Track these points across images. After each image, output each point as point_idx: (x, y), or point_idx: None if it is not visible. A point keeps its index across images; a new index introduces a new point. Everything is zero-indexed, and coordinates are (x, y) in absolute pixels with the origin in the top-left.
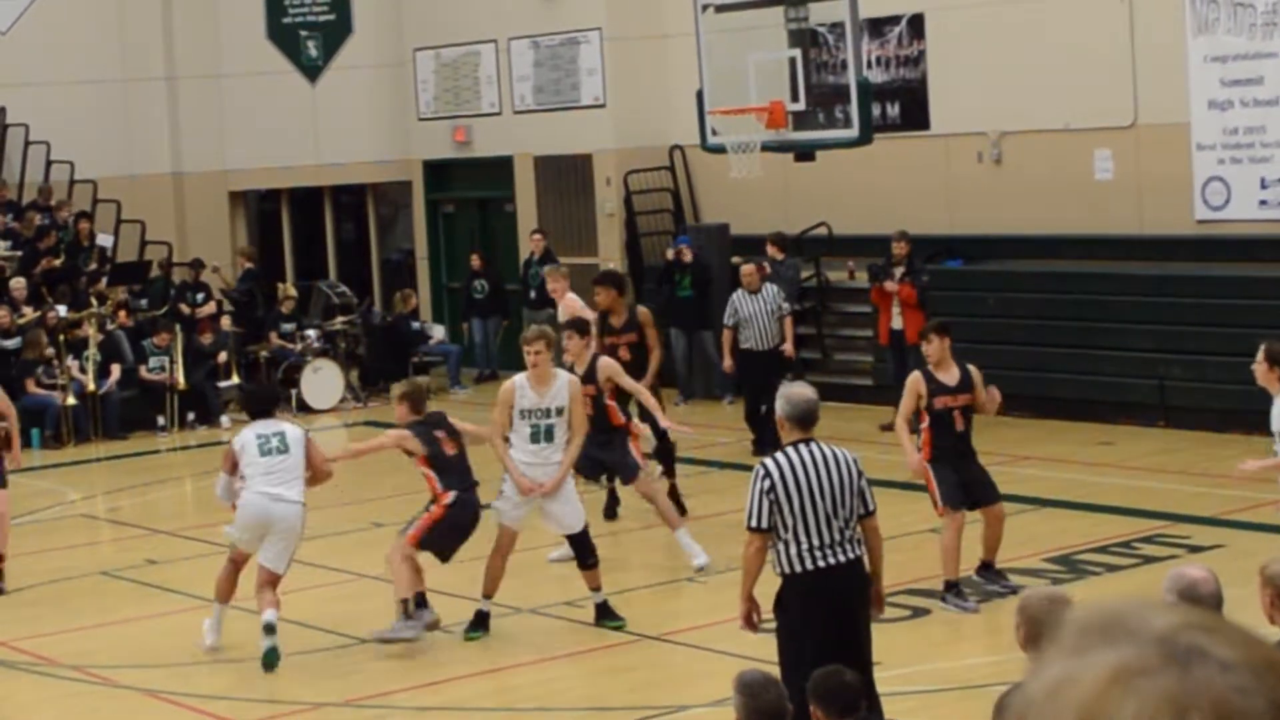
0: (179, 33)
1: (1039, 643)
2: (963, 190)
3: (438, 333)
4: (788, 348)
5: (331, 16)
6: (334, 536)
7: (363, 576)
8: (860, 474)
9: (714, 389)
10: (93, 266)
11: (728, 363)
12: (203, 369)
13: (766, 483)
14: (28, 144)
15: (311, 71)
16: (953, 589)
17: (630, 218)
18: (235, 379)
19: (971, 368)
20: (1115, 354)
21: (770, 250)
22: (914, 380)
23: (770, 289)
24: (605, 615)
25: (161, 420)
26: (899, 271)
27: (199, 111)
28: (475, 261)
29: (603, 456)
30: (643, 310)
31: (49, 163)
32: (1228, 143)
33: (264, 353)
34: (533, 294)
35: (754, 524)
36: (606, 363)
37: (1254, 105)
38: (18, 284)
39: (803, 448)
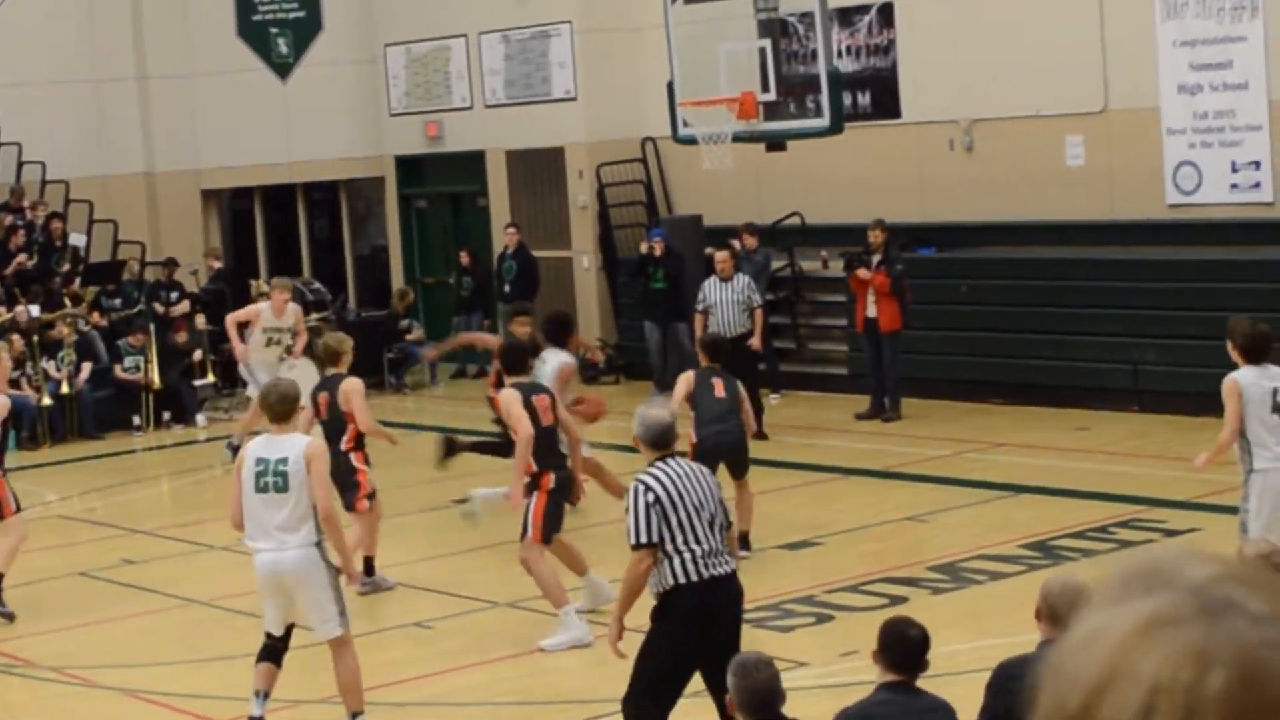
0: (149, 32)
1: (1053, 623)
2: (935, 178)
3: (416, 330)
4: (755, 341)
5: (301, 13)
6: None
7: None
8: (718, 485)
9: None
10: (65, 267)
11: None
12: (177, 368)
13: (650, 496)
14: None
15: (282, 69)
16: None
17: (603, 210)
18: (210, 378)
19: None
20: (1089, 339)
21: (744, 240)
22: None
23: (742, 279)
24: None
25: (137, 420)
26: (875, 259)
27: (170, 111)
28: (464, 258)
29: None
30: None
31: (20, 163)
32: (1198, 127)
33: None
34: (507, 288)
35: (644, 539)
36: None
37: (1223, 89)
38: None
39: (669, 462)
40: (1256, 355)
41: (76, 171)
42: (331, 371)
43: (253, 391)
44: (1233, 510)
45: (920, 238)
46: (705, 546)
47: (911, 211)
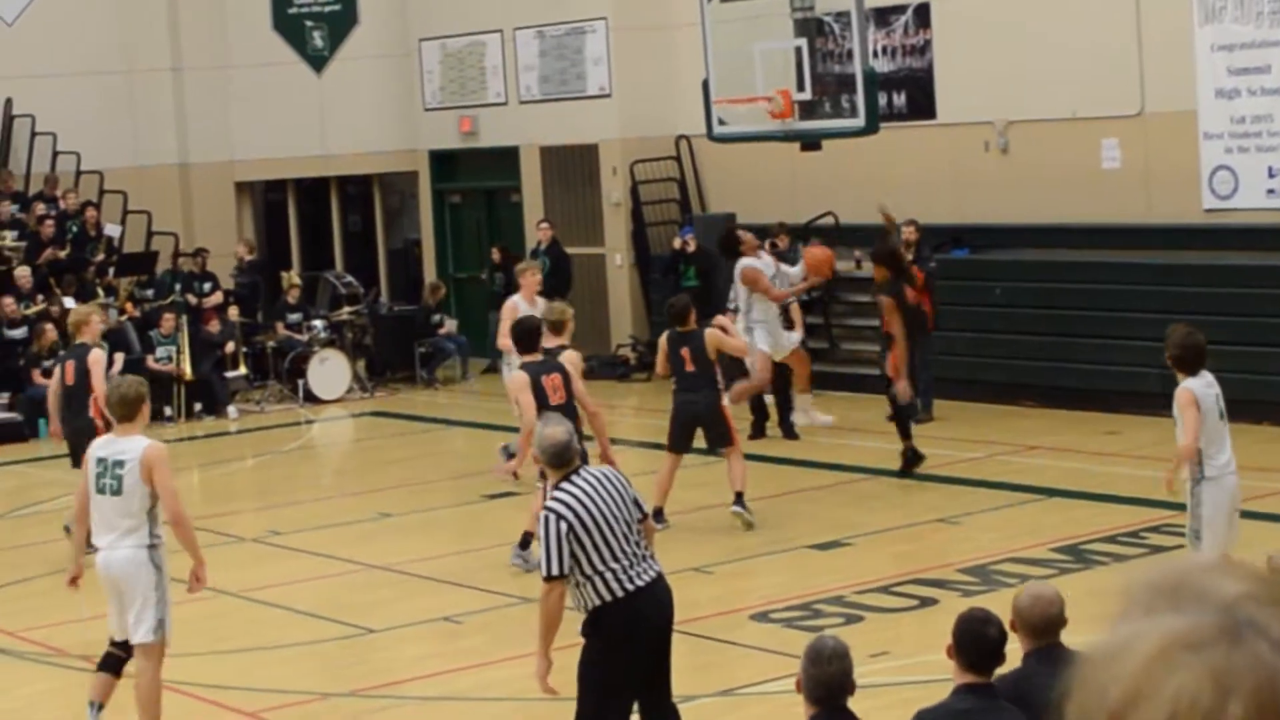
0: (185, 24)
1: (1029, 635)
2: (969, 180)
3: (450, 325)
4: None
5: (337, 7)
6: (341, 527)
7: (370, 567)
8: (628, 482)
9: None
10: (100, 257)
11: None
12: (209, 359)
13: (563, 525)
14: (34, 135)
15: (317, 62)
16: None
17: (636, 208)
18: (242, 369)
19: None
20: (1122, 343)
21: (779, 240)
22: None
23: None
24: None
25: (169, 410)
26: (909, 259)
27: (205, 102)
28: (496, 254)
29: None
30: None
31: (55, 154)
32: (1235, 131)
33: (271, 343)
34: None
35: (555, 571)
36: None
37: (1261, 94)
38: (23, 274)
39: (575, 479)
40: (1192, 365)
41: (111, 163)
42: (555, 343)
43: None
44: (1264, 517)
45: (954, 239)
46: (625, 560)
47: (946, 213)
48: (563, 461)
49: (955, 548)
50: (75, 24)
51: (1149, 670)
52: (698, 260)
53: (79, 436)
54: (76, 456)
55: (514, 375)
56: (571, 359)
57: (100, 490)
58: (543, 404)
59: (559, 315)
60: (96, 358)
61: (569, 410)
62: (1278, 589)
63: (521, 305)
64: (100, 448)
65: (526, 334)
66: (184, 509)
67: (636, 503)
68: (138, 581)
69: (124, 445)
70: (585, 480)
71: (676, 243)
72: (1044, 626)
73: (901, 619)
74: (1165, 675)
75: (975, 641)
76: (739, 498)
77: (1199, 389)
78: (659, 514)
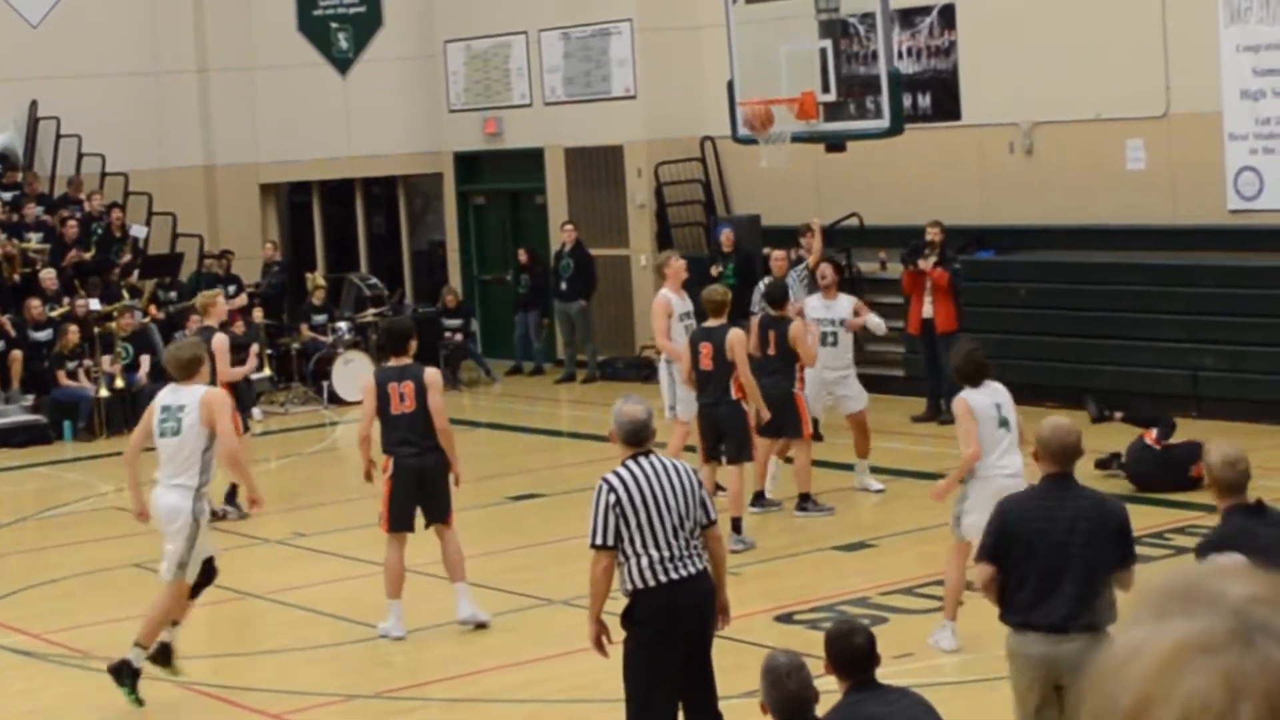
0: (210, 25)
1: (1050, 460)
2: (994, 181)
3: (459, 333)
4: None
5: (362, 9)
6: (365, 529)
7: None
8: (700, 484)
9: None
10: (125, 259)
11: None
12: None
13: (612, 497)
14: (59, 137)
15: (342, 64)
16: None
17: (661, 209)
18: (266, 371)
19: None
20: (1148, 344)
21: (803, 241)
22: None
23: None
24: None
25: None
26: (933, 258)
27: (230, 104)
28: (521, 256)
29: None
30: None
31: (80, 155)
32: (1260, 132)
33: (295, 345)
34: (564, 285)
35: (599, 541)
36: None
37: None
38: (48, 276)
39: (641, 460)
40: (973, 378)
41: (136, 164)
42: (714, 323)
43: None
44: None
45: (979, 240)
46: (667, 550)
47: (971, 214)
48: (636, 440)
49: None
50: (100, 26)
51: (1161, 674)
52: (736, 259)
53: None
54: None
55: (362, 378)
56: (739, 338)
57: (162, 434)
58: (384, 410)
59: (721, 297)
60: (220, 343)
61: (416, 420)
62: None
63: (673, 299)
64: (165, 396)
65: (394, 338)
66: (238, 446)
67: (704, 504)
68: (173, 524)
69: (185, 393)
70: (650, 465)
71: (720, 240)
72: (1061, 455)
73: (926, 620)
74: (1177, 678)
75: (846, 653)
76: (804, 498)
77: (974, 399)
78: (736, 525)
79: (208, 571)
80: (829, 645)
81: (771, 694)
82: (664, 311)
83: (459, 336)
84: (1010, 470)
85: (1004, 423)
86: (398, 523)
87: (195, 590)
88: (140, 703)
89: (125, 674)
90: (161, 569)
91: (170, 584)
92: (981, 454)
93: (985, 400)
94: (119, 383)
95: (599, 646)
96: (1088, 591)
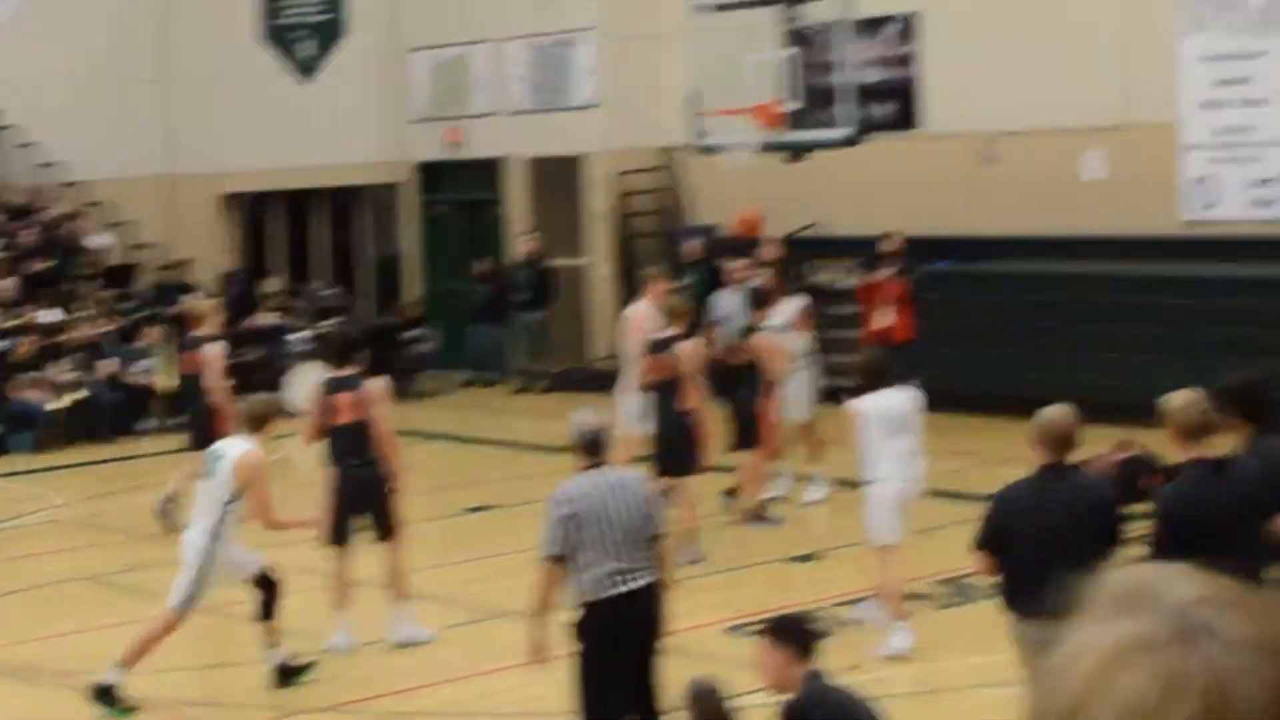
0: (172, 33)
1: (1046, 449)
2: (953, 191)
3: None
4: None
5: (325, 17)
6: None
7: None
8: (652, 496)
9: None
10: (84, 270)
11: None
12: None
13: (566, 509)
14: (18, 146)
15: (305, 72)
16: None
17: (622, 219)
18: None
19: None
20: (1103, 355)
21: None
22: None
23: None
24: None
25: (150, 423)
26: (892, 269)
27: (191, 113)
28: (480, 266)
29: None
30: None
31: (40, 164)
32: (1217, 142)
33: (251, 355)
34: (523, 296)
35: (552, 551)
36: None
37: (1243, 105)
38: (4, 286)
39: (594, 473)
40: (873, 385)
41: (96, 173)
42: (671, 333)
43: None
44: None
45: (938, 250)
46: (616, 564)
47: (930, 224)
48: (592, 451)
49: (931, 560)
50: (61, 34)
51: (1100, 672)
52: (701, 269)
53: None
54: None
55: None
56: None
57: (203, 475)
58: (328, 422)
59: (680, 306)
60: (213, 353)
61: (359, 432)
62: (1233, 590)
63: (649, 316)
64: (218, 444)
65: (337, 348)
66: (273, 518)
67: (651, 519)
68: (188, 560)
69: (233, 444)
70: (604, 477)
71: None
72: (1059, 443)
73: (875, 633)
74: (1116, 676)
75: (712, 712)
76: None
77: (867, 405)
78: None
79: (267, 584)
80: (694, 703)
81: (691, 715)
82: (639, 326)
83: (417, 347)
84: (909, 475)
85: (902, 428)
86: (337, 535)
87: (267, 610)
88: (130, 710)
89: (106, 697)
90: (170, 595)
91: (172, 610)
92: (877, 459)
93: (882, 406)
94: (77, 392)
95: (539, 653)
96: (1084, 577)
